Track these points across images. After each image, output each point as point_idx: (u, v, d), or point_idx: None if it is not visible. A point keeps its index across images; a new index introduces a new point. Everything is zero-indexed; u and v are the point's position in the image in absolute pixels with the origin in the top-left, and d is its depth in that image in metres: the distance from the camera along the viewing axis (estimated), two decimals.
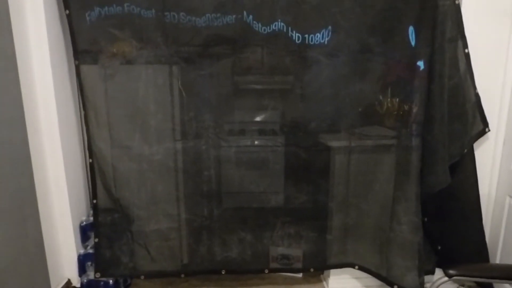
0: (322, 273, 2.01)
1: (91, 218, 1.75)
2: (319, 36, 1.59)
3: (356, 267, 1.81)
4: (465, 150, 1.60)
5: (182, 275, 1.81)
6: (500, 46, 1.61)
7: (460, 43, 1.55)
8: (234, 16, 1.56)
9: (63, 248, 1.75)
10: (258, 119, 1.89)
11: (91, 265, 1.76)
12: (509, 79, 1.62)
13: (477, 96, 1.58)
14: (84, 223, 1.79)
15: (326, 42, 1.60)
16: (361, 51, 1.63)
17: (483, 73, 1.59)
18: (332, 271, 1.89)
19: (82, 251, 1.78)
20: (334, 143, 1.77)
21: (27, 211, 1.52)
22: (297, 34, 1.59)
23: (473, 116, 1.60)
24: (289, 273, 1.95)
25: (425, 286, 1.62)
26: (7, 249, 1.38)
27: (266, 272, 1.84)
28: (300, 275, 1.99)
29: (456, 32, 1.54)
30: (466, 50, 1.55)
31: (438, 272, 1.69)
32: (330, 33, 1.59)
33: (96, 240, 1.71)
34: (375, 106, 1.72)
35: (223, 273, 1.80)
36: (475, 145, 1.63)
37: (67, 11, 1.54)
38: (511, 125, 1.63)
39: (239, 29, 1.58)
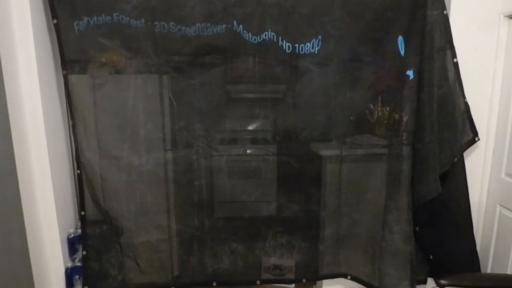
0: (315, 284, 1.99)
1: (79, 230, 1.71)
2: (309, 45, 1.60)
3: (349, 277, 1.80)
4: (455, 159, 1.61)
5: None
6: (488, 55, 1.63)
7: (449, 53, 1.57)
8: (224, 25, 1.56)
9: (50, 261, 1.70)
10: (249, 128, 1.88)
11: (79, 278, 1.71)
12: (497, 88, 1.64)
13: (467, 105, 1.59)
14: (72, 235, 1.75)
15: (316, 51, 1.61)
16: (351, 60, 1.64)
17: (472, 82, 1.60)
18: (325, 281, 1.87)
19: (69, 264, 1.73)
20: (325, 152, 1.77)
21: (12, 223, 1.48)
22: (287, 44, 1.59)
23: (462, 125, 1.61)
24: (281, 284, 1.93)
25: None
26: None
27: (258, 283, 1.82)
28: (292, 285, 1.97)
29: (444, 41, 1.56)
30: (455, 60, 1.56)
31: (430, 282, 1.68)
32: (320, 42, 1.60)
33: (84, 252, 1.67)
34: (366, 115, 1.72)
35: (214, 285, 1.78)
36: (465, 154, 1.64)
37: (55, 21, 1.52)
38: (500, 134, 1.64)
39: (229, 38, 1.57)
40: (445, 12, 1.54)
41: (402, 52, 1.57)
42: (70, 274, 1.72)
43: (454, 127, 1.59)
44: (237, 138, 1.91)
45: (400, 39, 1.57)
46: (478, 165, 1.69)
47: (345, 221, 1.76)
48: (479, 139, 1.62)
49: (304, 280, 1.84)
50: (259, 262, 1.82)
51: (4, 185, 1.43)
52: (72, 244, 1.75)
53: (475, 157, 1.69)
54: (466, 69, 1.58)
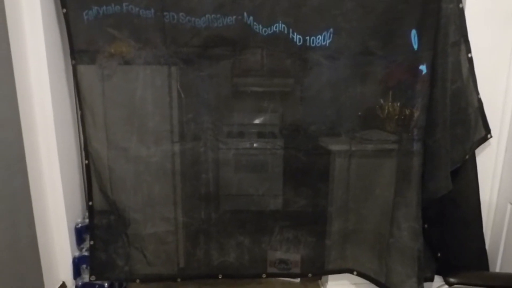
0: (320, 279, 1.99)
1: (87, 220, 1.73)
2: (320, 38, 1.57)
3: (355, 273, 1.79)
4: (467, 156, 1.58)
5: (179, 279, 1.79)
6: (504, 51, 1.59)
7: (463, 47, 1.53)
8: (234, 17, 1.54)
9: (58, 250, 1.72)
10: (257, 121, 1.86)
11: (86, 268, 1.73)
12: None
13: (480, 102, 1.56)
14: (80, 225, 1.77)
15: (327, 44, 1.58)
16: (362, 54, 1.61)
17: (486, 78, 1.56)
18: (331, 276, 1.87)
19: (77, 253, 1.75)
20: (334, 147, 1.74)
21: (21, 213, 1.49)
22: (298, 36, 1.56)
23: (475, 121, 1.58)
24: (287, 278, 1.94)
25: None
26: (0, 252, 1.36)
27: (264, 276, 1.82)
28: (298, 280, 1.97)
29: (459, 36, 1.52)
30: (469, 55, 1.53)
31: (438, 280, 1.67)
32: (331, 35, 1.57)
33: (92, 242, 1.69)
34: (376, 110, 1.70)
35: (220, 277, 1.78)
36: (476, 151, 1.61)
37: (64, 10, 1.51)
38: None
39: (239, 30, 1.55)
40: (460, 6, 1.50)
41: (415, 46, 1.53)
42: (77, 263, 1.74)
43: (467, 123, 1.56)
44: (244, 131, 1.89)
45: (414, 32, 1.53)
46: (490, 162, 1.66)
47: (352, 217, 1.75)
48: (491, 136, 1.59)
49: (309, 275, 1.84)
50: (265, 256, 1.81)
51: (13, 175, 1.44)
52: (80, 234, 1.77)
53: (487, 154, 1.66)
54: (481, 64, 1.54)
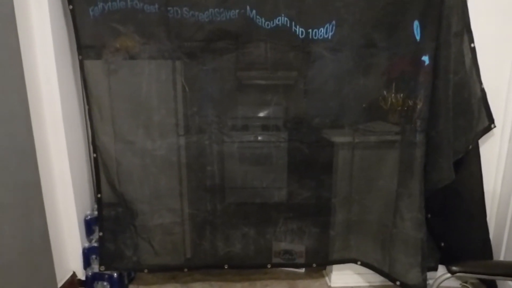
0: (325, 269, 2.01)
1: (96, 212, 1.77)
2: (323, 30, 1.58)
3: (359, 262, 1.81)
4: (470, 146, 1.59)
5: (185, 269, 1.83)
6: (507, 41, 1.58)
7: (466, 38, 1.53)
8: (237, 10, 1.55)
9: (68, 241, 1.77)
10: (261, 114, 1.88)
11: (96, 258, 1.78)
12: None
13: (483, 92, 1.56)
14: (89, 217, 1.81)
15: (330, 37, 1.59)
16: (365, 46, 1.61)
17: (489, 68, 1.56)
18: (335, 266, 1.89)
19: (86, 244, 1.80)
20: (337, 139, 1.76)
21: (33, 204, 1.53)
22: (300, 29, 1.57)
23: (478, 112, 1.58)
24: (291, 268, 1.96)
25: (427, 282, 1.61)
26: (13, 242, 1.40)
27: (269, 267, 1.85)
28: (302, 270, 2.00)
29: (462, 26, 1.52)
30: (472, 45, 1.53)
31: (441, 269, 1.68)
32: (334, 28, 1.57)
33: (101, 233, 1.73)
34: (379, 101, 1.70)
35: (226, 267, 1.82)
36: (480, 141, 1.61)
37: (71, 6, 1.54)
38: None
39: (242, 24, 1.57)
40: None
41: (418, 37, 1.53)
42: (87, 254, 1.78)
43: (470, 113, 1.57)
44: (248, 124, 1.91)
45: (416, 23, 1.53)
46: (493, 152, 1.67)
47: (356, 208, 1.77)
48: (495, 126, 1.59)
49: (314, 265, 1.86)
50: (269, 246, 1.84)
51: (24, 168, 1.48)
52: (89, 225, 1.81)
53: (491, 144, 1.66)
54: (484, 54, 1.54)
